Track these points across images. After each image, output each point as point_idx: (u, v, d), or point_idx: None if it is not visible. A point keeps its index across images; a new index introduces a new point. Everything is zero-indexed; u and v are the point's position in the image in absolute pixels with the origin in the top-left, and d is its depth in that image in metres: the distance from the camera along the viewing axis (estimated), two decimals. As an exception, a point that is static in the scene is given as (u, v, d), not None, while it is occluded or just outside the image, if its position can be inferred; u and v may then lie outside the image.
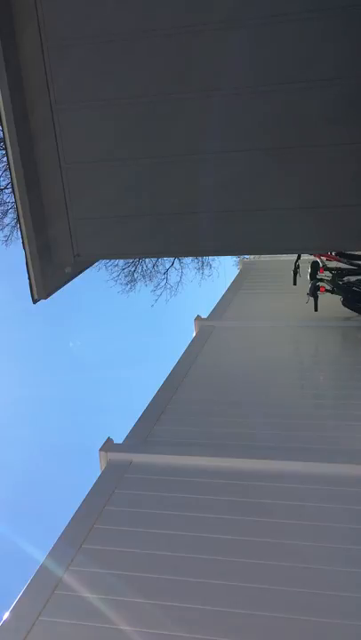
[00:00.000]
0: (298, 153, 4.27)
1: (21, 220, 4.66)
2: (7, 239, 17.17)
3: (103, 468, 4.09)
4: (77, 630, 2.75)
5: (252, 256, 10.04)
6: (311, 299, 6.78)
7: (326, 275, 7.16)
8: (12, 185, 4.58)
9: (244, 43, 4.09)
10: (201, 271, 20.02)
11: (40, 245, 4.76)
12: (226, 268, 22.37)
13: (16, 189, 4.55)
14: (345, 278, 7.11)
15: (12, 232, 16.93)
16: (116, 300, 19.99)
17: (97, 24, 4.24)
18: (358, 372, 5.49)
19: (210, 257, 17.85)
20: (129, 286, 19.53)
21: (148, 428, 4.56)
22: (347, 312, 6.91)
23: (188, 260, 19.42)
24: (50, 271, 4.93)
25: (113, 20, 4.20)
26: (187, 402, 5.07)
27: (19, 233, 4.85)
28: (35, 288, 4.85)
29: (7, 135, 4.41)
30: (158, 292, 19.79)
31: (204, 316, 7.24)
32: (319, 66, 4.05)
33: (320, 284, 6.88)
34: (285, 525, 3.35)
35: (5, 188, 16.69)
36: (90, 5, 4.23)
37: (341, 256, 7.32)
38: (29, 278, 4.82)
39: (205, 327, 6.88)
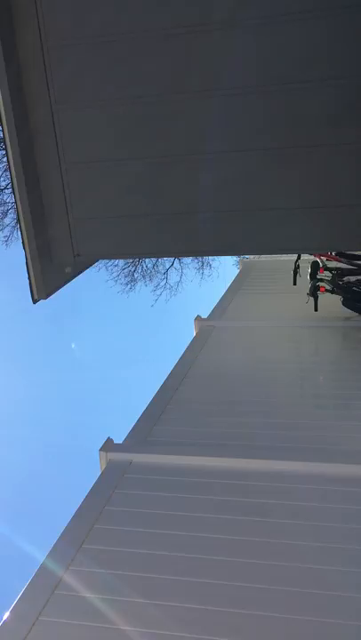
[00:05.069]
0: (298, 153, 4.27)
1: (21, 220, 4.66)
2: (7, 239, 17.21)
3: (103, 468, 4.09)
4: (77, 630, 2.75)
5: (252, 256, 10.05)
6: (311, 299, 6.79)
7: (326, 275, 7.16)
8: (12, 185, 4.58)
9: (244, 43, 4.09)
10: (201, 271, 20.06)
11: (40, 245, 4.76)
12: (226, 267, 22.42)
13: (16, 189, 4.55)
14: (345, 278, 7.12)
15: (12, 232, 16.97)
16: (116, 299, 20.02)
17: (97, 24, 4.24)
18: (358, 372, 5.49)
19: (210, 257, 17.87)
20: (129, 286, 19.57)
21: (148, 428, 4.57)
22: (347, 312, 6.91)
23: (188, 260, 19.44)
24: (50, 271, 4.93)
25: (113, 20, 4.20)
26: (187, 402, 5.07)
27: (19, 233, 4.86)
28: (35, 288, 4.85)
29: (7, 135, 4.41)
30: (158, 292, 19.82)
31: (204, 316, 7.24)
32: (319, 66, 4.05)
33: (320, 283, 6.89)
34: (285, 525, 3.35)
35: (5, 188, 16.70)
36: (90, 5, 4.23)
37: (341, 256, 7.33)
38: (29, 278, 4.82)
39: (205, 327, 6.88)
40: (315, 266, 7.15)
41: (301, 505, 3.52)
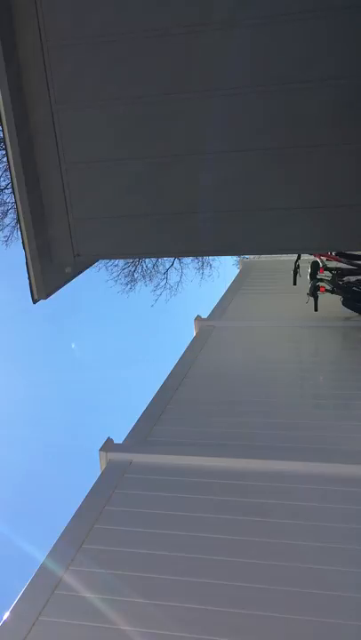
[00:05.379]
0: (298, 153, 4.27)
1: (21, 220, 4.66)
2: (7, 239, 17.22)
3: (103, 468, 4.09)
4: (77, 630, 2.75)
5: (252, 256, 10.05)
6: (311, 299, 6.79)
7: (326, 275, 7.16)
8: (12, 185, 4.58)
9: (244, 43, 4.09)
10: (201, 271, 20.07)
11: (40, 245, 4.76)
12: (226, 267, 22.44)
13: (16, 189, 4.55)
14: (345, 278, 7.12)
15: (12, 232, 16.98)
16: (116, 299, 20.03)
17: (97, 24, 4.23)
18: (358, 372, 5.49)
19: (210, 257, 17.88)
20: (129, 286, 19.58)
21: (148, 428, 4.57)
22: (347, 312, 6.92)
23: (188, 260, 19.45)
24: (50, 271, 4.93)
25: (113, 20, 4.20)
26: (187, 402, 5.07)
27: (19, 233, 4.86)
28: (35, 288, 4.85)
29: (7, 135, 4.41)
30: (158, 292, 19.83)
31: (204, 316, 7.24)
32: (319, 66, 4.05)
33: (320, 283, 6.89)
34: (285, 525, 3.35)
35: (5, 188, 16.71)
36: (90, 5, 4.23)
37: (341, 256, 7.33)
38: (29, 278, 4.82)
39: (205, 327, 6.88)
40: (315, 266, 7.15)
41: (301, 505, 3.52)
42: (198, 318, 7.05)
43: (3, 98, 4.27)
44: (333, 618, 2.71)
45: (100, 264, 17.49)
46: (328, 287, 6.92)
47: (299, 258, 7.62)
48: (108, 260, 17.29)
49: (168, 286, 19.94)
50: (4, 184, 16.74)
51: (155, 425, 4.62)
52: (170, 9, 4.10)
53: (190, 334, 6.82)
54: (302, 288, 7.06)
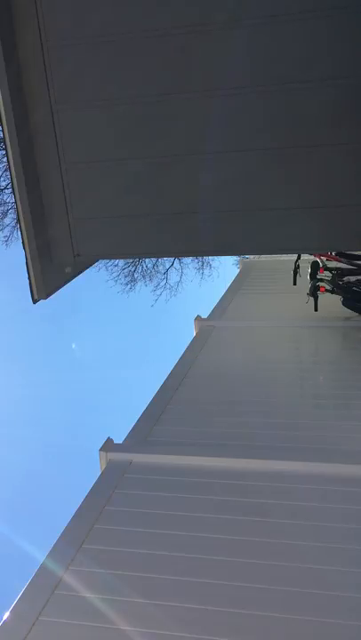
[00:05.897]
0: (298, 153, 4.27)
1: (21, 220, 4.66)
2: (7, 239, 17.22)
3: (103, 468, 4.09)
4: (77, 630, 2.75)
5: (252, 256, 10.05)
6: (311, 299, 6.79)
7: (326, 275, 7.16)
8: (12, 185, 4.58)
9: (245, 43, 4.09)
10: (201, 271, 20.08)
11: (40, 245, 4.76)
12: (226, 267, 22.44)
13: (16, 189, 4.55)
14: (345, 278, 7.12)
15: (12, 232, 16.98)
16: (116, 299, 20.03)
17: (97, 24, 4.24)
18: (358, 372, 5.49)
19: (210, 257, 17.88)
20: (129, 286, 19.59)
21: (148, 428, 4.57)
22: (347, 312, 6.92)
23: (188, 260, 19.46)
24: (50, 271, 4.93)
25: (113, 20, 4.20)
26: (187, 402, 5.07)
27: (19, 233, 4.86)
28: (35, 288, 4.85)
29: (7, 135, 4.41)
30: (158, 292, 19.84)
31: (204, 316, 7.24)
32: (319, 66, 4.05)
33: (320, 283, 6.89)
34: (285, 525, 3.35)
35: (5, 188, 16.71)
36: (90, 5, 4.23)
37: (341, 256, 7.33)
38: (29, 278, 4.82)
39: (205, 327, 6.88)
40: (315, 266, 7.15)
41: (301, 505, 3.52)
42: (198, 318, 7.05)
43: (3, 98, 4.27)
44: (333, 618, 2.71)
45: (100, 264, 17.51)
46: (328, 287, 6.92)
47: (299, 258, 7.62)
48: (108, 260, 17.30)
49: (168, 286, 19.97)
50: (4, 184, 16.75)
51: (155, 425, 4.62)
52: (170, 9, 4.10)
53: (190, 334, 6.83)
54: (302, 288, 7.06)
